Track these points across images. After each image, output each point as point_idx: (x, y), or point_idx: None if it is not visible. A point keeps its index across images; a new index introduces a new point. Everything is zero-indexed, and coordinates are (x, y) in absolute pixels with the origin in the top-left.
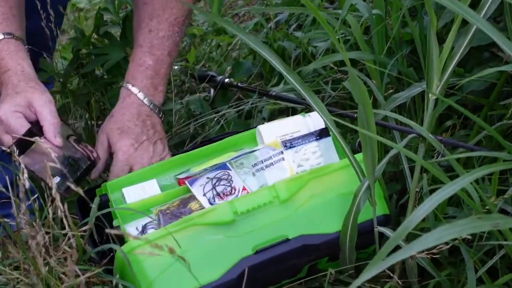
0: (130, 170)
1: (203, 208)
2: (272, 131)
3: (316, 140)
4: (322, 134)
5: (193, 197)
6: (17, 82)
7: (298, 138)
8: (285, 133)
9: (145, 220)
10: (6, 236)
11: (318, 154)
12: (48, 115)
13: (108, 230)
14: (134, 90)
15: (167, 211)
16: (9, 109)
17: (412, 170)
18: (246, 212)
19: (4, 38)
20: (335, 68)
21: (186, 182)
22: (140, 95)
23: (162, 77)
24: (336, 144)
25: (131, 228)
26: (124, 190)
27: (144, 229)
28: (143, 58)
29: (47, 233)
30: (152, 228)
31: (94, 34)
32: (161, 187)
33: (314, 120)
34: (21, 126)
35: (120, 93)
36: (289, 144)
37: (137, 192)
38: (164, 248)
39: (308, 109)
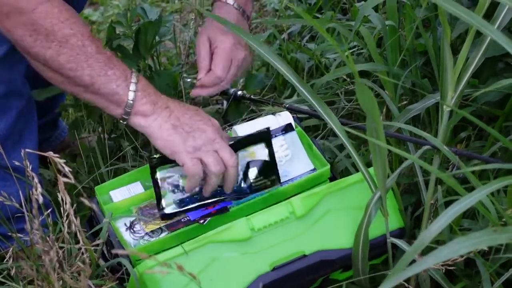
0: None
1: None
2: (246, 129)
3: (282, 134)
4: (287, 128)
5: None
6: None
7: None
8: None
9: (132, 217)
10: (21, 250)
11: (285, 147)
12: None
13: (115, 251)
14: (230, 1)
15: (145, 208)
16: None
17: (427, 182)
18: (263, 228)
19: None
20: (348, 80)
21: None
22: (236, 5)
23: None
24: (302, 137)
25: (120, 224)
26: (111, 192)
27: (131, 225)
28: None
29: (60, 248)
30: (138, 224)
31: (106, 47)
32: (145, 188)
33: (283, 118)
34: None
35: (213, 8)
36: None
37: (123, 194)
38: (173, 266)
39: (323, 121)
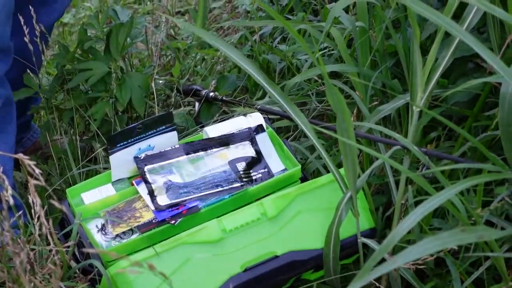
0: None
1: (147, 206)
2: (217, 130)
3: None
4: (258, 129)
5: (138, 197)
6: None
7: (238, 134)
8: (228, 132)
9: (103, 219)
10: None
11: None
12: None
13: (85, 250)
14: None
15: (114, 211)
16: None
17: (397, 182)
18: (234, 230)
19: None
20: (320, 81)
21: (134, 182)
22: None
23: None
24: (273, 138)
25: (92, 226)
26: (82, 195)
27: (103, 227)
28: None
29: (32, 250)
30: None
31: (78, 49)
32: (117, 190)
33: (254, 119)
34: None
35: None
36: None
37: (94, 196)
38: (144, 265)
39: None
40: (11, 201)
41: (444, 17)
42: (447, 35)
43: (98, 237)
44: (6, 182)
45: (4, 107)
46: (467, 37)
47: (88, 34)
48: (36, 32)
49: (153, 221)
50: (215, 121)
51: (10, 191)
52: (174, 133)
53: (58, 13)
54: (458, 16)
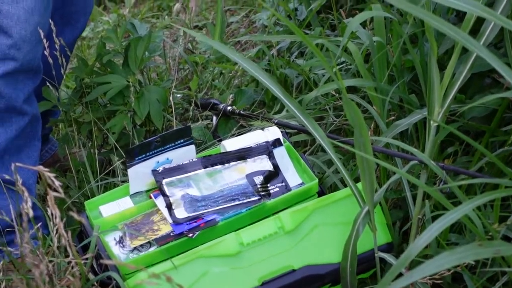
0: None
1: (165, 219)
2: (234, 144)
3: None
4: (275, 143)
5: (156, 210)
6: None
7: (255, 148)
8: (246, 145)
9: (121, 231)
10: (10, 262)
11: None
12: None
13: (103, 261)
14: None
15: (132, 224)
16: None
17: (414, 197)
18: (252, 243)
19: None
20: (337, 95)
21: (152, 195)
22: None
23: None
24: (290, 152)
25: (110, 238)
26: (101, 207)
27: (121, 239)
28: None
29: (50, 261)
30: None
31: (96, 63)
32: (135, 203)
33: (272, 133)
34: None
35: None
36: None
37: (112, 208)
38: (162, 277)
39: (311, 136)
40: (31, 213)
41: (461, 32)
42: (464, 50)
43: (116, 250)
44: (26, 194)
45: (31, 123)
46: (484, 52)
47: (107, 48)
48: (56, 46)
49: (171, 234)
50: (233, 135)
51: (29, 203)
52: (192, 146)
53: (80, 30)
54: (475, 31)
